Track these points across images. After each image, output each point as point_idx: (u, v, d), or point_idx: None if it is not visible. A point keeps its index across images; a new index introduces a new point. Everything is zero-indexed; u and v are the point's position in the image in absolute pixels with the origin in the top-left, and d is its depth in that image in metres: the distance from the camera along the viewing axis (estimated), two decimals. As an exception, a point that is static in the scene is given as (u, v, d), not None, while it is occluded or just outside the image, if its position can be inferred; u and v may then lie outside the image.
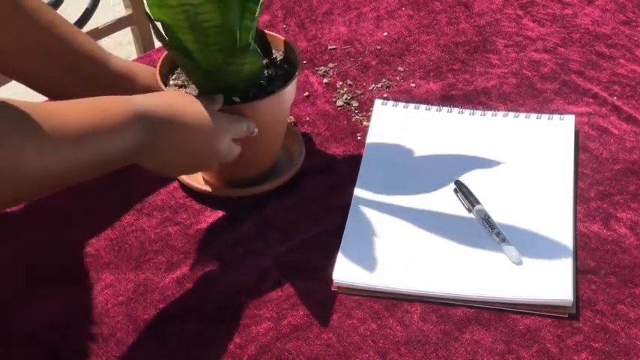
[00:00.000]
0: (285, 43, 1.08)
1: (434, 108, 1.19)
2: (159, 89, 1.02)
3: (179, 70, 1.07)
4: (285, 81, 1.04)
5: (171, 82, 1.05)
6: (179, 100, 0.95)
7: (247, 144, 1.02)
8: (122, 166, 0.91)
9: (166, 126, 0.92)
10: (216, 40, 0.98)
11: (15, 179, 0.79)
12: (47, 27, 1.00)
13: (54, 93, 1.05)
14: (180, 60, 1.01)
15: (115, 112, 0.88)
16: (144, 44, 1.64)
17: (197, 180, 1.09)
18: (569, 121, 1.16)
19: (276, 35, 1.09)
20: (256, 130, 1.01)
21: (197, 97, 0.97)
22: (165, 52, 1.06)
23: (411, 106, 1.20)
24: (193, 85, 1.04)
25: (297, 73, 1.04)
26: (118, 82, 1.05)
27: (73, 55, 1.03)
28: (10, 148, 0.78)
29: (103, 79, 1.05)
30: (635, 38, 1.30)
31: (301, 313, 0.97)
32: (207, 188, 1.09)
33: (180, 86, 1.05)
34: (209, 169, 1.05)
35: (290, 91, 1.04)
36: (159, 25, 0.97)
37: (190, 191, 1.10)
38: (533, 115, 1.17)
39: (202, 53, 0.99)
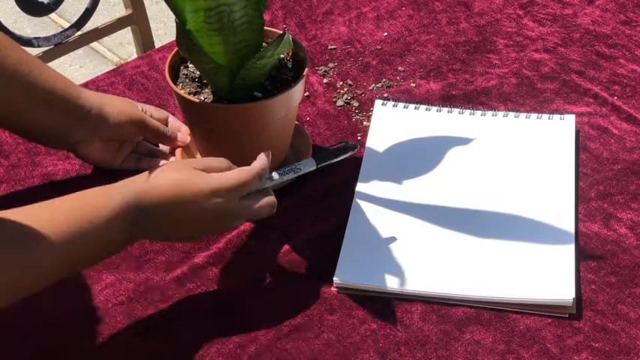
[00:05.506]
0: (293, 40, 1.08)
1: (434, 108, 1.19)
2: (129, 127, 1.04)
3: (185, 71, 1.07)
4: (295, 78, 1.05)
5: (180, 87, 1.05)
6: (159, 178, 0.91)
7: (258, 142, 1.02)
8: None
9: (153, 210, 0.90)
10: (244, 37, 0.99)
11: None
12: (16, 64, 1.01)
13: (31, 133, 1.06)
14: (203, 65, 1.01)
15: (104, 210, 0.88)
16: (144, 44, 1.63)
17: None
18: (569, 121, 1.16)
19: (278, 31, 1.09)
20: (269, 155, 0.97)
21: (180, 165, 0.94)
22: (171, 55, 1.06)
23: (411, 106, 1.20)
24: (207, 90, 1.04)
25: (306, 67, 1.05)
26: (91, 118, 1.05)
27: (45, 91, 1.03)
28: None
29: (77, 112, 1.05)
30: (636, 38, 1.30)
31: (301, 313, 0.97)
32: None
33: (194, 86, 1.05)
34: (223, 232, 1.04)
35: (301, 87, 1.05)
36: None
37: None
38: (534, 115, 1.17)
39: (228, 54, 0.99)
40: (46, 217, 0.85)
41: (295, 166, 1.00)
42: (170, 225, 0.92)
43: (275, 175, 0.98)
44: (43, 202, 0.88)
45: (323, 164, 1.03)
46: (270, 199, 0.95)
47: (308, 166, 1.01)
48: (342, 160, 1.05)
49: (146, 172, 0.92)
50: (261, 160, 0.94)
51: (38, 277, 0.85)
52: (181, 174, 0.91)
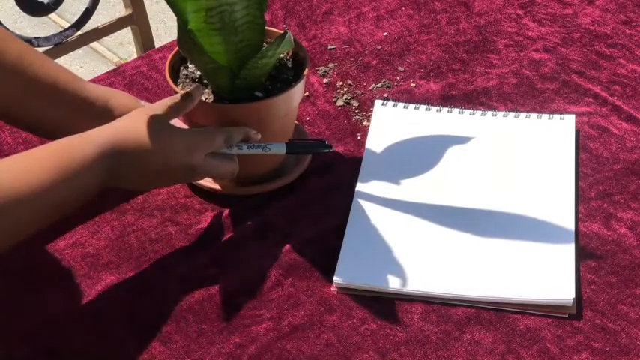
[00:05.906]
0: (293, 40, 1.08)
1: (434, 108, 1.19)
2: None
3: (185, 71, 1.07)
4: (295, 78, 1.05)
5: (180, 87, 1.05)
6: (136, 127, 0.96)
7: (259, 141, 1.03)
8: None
9: (127, 157, 0.94)
10: (245, 37, 0.99)
11: None
12: (17, 57, 1.01)
13: (34, 126, 1.06)
14: (203, 65, 1.01)
15: (79, 160, 0.91)
16: (144, 44, 1.64)
17: (206, 179, 1.09)
18: (569, 120, 1.16)
19: (278, 31, 1.09)
20: (258, 135, 1.02)
21: (157, 115, 0.97)
22: (172, 55, 1.06)
23: (411, 106, 1.20)
24: (207, 90, 1.05)
25: (307, 67, 1.05)
26: (95, 110, 1.05)
27: (48, 83, 1.03)
28: None
29: (82, 105, 1.04)
30: (636, 38, 1.30)
31: (301, 313, 0.97)
32: (216, 186, 1.09)
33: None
34: (190, 182, 1.09)
35: (301, 86, 1.05)
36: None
37: (192, 190, 1.10)
38: (534, 115, 1.17)
39: (229, 53, 0.99)
40: (22, 169, 0.88)
41: (265, 144, 1.04)
42: (141, 176, 0.97)
43: (244, 145, 1.02)
44: (18, 154, 0.91)
45: (291, 152, 1.06)
46: (234, 164, 1.02)
47: (277, 149, 1.04)
48: (310, 153, 1.11)
49: (119, 121, 0.97)
50: (233, 127, 1.01)
51: (14, 230, 0.88)
52: (154, 127, 0.96)
